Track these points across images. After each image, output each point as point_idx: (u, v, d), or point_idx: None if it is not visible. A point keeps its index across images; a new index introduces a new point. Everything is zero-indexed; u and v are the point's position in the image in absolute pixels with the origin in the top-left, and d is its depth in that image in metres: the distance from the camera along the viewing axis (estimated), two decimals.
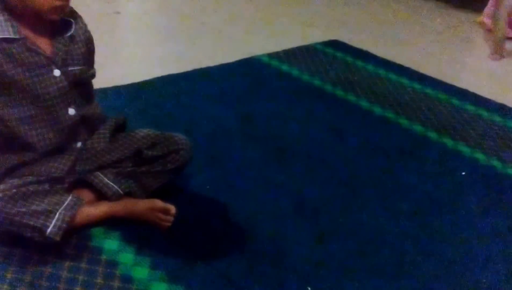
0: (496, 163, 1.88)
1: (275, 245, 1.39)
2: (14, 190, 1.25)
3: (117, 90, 2.04)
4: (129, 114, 1.59)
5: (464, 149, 1.95)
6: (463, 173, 1.79)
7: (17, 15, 1.25)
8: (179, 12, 3.14)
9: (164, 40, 2.73)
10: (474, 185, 1.75)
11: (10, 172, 1.33)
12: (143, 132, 1.45)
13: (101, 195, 1.40)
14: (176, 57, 2.49)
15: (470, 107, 2.29)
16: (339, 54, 2.68)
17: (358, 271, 1.33)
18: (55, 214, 1.25)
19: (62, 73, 1.31)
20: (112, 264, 1.27)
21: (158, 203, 1.39)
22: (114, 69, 2.20)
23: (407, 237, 1.46)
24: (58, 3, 1.23)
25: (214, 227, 1.43)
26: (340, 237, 1.44)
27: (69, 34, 1.32)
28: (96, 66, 1.45)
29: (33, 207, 1.24)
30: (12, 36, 1.24)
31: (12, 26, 1.24)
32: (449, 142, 1.99)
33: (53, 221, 1.25)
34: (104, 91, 1.95)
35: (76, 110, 1.35)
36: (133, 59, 2.46)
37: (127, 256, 1.30)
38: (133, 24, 2.96)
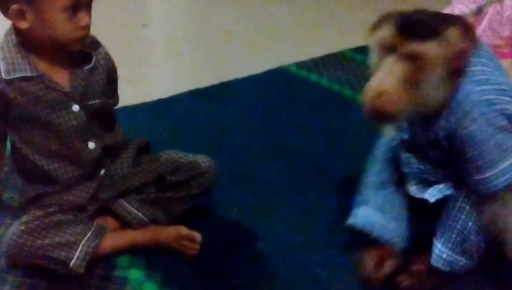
0: None
1: (307, 273, 1.34)
2: (37, 222, 1.24)
3: (143, 108, 2.02)
4: (155, 132, 1.56)
5: None
6: None
7: (34, 50, 1.23)
8: (206, 22, 3.11)
9: (191, 52, 2.70)
10: None
11: (34, 202, 1.32)
12: (166, 154, 1.43)
13: (125, 223, 1.37)
14: (204, 69, 2.46)
15: None
16: None
17: None
18: (79, 245, 1.24)
19: (81, 107, 1.28)
20: None
21: (184, 230, 1.36)
22: (140, 84, 2.18)
23: None
24: (78, 32, 1.21)
25: (243, 254, 1.40)
26: None
27: (89, 66, 1.29)
28: (121, 82, 1.42)
29: (56, 239, 1.23)
30: (29, 74, 1.22)
31: (29, 63, 1.22)
32: None
33: (77, 253, 1.23)
34: (129, 108, 1.92)
35: (96, 142, 1.33)
36: (159, 74, 2.44)
37: (152, 287, 1.27)
38: (159, 36, 2.94)
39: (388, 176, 1.37)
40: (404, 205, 1.35)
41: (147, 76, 2.37)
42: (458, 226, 1.23)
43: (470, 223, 1.23)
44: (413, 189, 1.31)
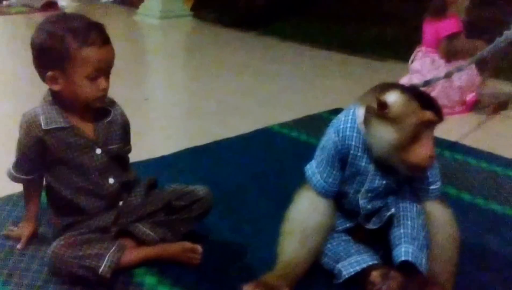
0: None
1: None
2: (72, 239, 1.58)
3: (149, 163, 2.38)
4: (160, 180, 1.89)
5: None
6: None
7: (66, 107, 1.61)
8: (200, 93, 3.55)
9: (188, 118, 3.12)
10: None
11: (65, 229, 1.65)
12: (171, 187, 1.79)
13: (140, 242, 1.70)
14: (199, 131, 2.85)
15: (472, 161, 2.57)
16: None
17: None
18: (105, 256, 1.57)
19: (103, 151, 1.65)
20: None
21: (187, 244, 1.69)
22: (145, 145, 2.55)
23: None
24: (98, 93, 1.58)
25: (236, 263, 1.74)
26: None
27: (108, 119, 1.67)
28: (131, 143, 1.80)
29: (88, 252, 1.56)
30: (62, 125, 1.60)
31: (63, 117, 1.60)
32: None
33: (104, 262, 1.56)
34: (137, 163, 2.26)
35: (115, 179, 1.68)
36: (162, 136, 2.83)
37: (164, 289, 1.60)
38: (160, 107, 3.35)
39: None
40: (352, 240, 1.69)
41: (151, 138, 2.75)
42: (410, 227, 1.56)
43: (419, 221, 1.58)
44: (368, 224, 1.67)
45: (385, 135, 1.48)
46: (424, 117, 1.46)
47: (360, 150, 1.56)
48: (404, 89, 1.52)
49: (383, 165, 1.56)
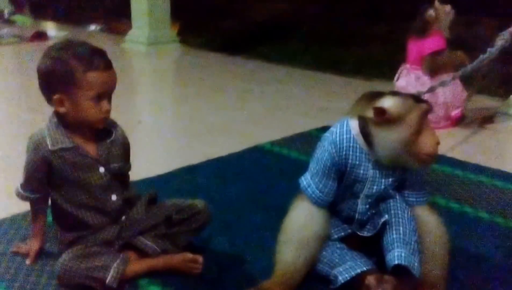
0: None
1: None
2: (80, 251, 1.67)
3: (145, 182, 2.46)
4: (158, 198, 1.99)
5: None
6: None
7: (70, 128, 1.70)
8: (190, 115, 3.66)
9: (180, 139, 3.21)
10: None
11: (71, 244, 1.74)
12: (170, 201, 1.87)
13: (143, 254, 1.79)
14: (192, 151, 2.94)
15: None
16: None
17: None
18: (111, 268, 1.65)
19: (105, 169, 1.74)
20: None
21: (188, 255, 1.78)
22: (141, 165, 2.61)
23: None
24: (101, 115, 1.68)
25: (233, 272, 1.82)
26: None
27: (110, 140, 1.76)
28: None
29: (95, 263, 1.65)
30: (67, 145, 1.69)
31: (67, 138, 1.69)
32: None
33: (110, 273, 1.64)
34: (134, 182, 2.35)
35: (117, 196, 1.77)
36: (157, 156, 2.93)
37: None
38: (153, 129, 3.45)
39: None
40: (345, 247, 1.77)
41: (146, 158, 2.82)
42: (402, 232, 1.65)
43: (411, 226, 1.67)
44: (362, 231, 1.76)
45: (393, 137, 1.57)
46: (422, 109, 1.58)
47: (358, 159, 1.65)
48: (391, 92, 1.64)
49: (385, 168, 1.65)
